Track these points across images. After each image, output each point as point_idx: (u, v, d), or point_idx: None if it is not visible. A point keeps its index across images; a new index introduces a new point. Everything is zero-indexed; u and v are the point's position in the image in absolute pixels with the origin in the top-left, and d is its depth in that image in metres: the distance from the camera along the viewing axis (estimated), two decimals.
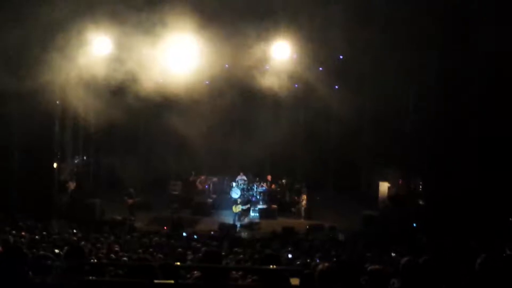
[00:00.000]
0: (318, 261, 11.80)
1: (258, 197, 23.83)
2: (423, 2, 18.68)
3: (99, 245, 13.20)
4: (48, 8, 17.43)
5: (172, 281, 5.35)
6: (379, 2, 18.71)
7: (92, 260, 9.95)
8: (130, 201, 21.17)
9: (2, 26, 17.13)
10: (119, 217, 20.13)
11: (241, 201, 22.01)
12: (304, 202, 22.57)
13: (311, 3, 19.54)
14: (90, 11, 18.78)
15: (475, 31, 17.75)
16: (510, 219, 17.17)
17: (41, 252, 8.83)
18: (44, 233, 14.89)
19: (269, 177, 24.86)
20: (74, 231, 16.55)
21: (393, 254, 13.46)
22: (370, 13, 19.35)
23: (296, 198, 23.65)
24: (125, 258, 10.81)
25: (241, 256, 12.68)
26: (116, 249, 12.77)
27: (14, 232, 13.99)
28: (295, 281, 6.38)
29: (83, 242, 13.11)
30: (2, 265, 5.62)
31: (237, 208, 21.32)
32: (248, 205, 22.18)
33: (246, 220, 21.40)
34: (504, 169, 17.47)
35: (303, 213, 22.43)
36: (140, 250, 12.91)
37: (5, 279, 5.41)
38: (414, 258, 6.07)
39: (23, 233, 13.96)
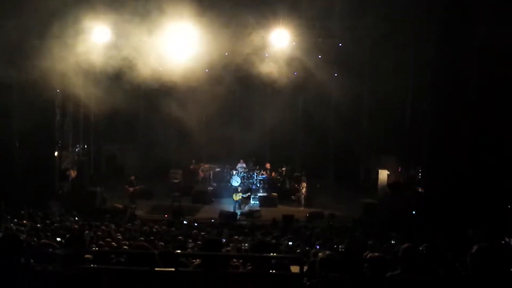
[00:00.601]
0: (318, 248, 11.89)
1: (258, 185, 23.88)
2: None
3: (99, 233, 13.27)
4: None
5: (173, 269, 5.38)
6: None
7: (93, 248, 10.02)
8: (131, 189, 21.19)
9: (1, 16, 17.10)
10: (120, 205, 20.19)
11: (241, 189, 22.05)
12: (304, 190, 22.63)
13: None
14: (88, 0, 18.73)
15: (474, 22, 17.71)
16: (509, 206, 17.21)
17: (43, 240, 8.90)
18: (48, 222, 14.98)
19: (267, 165, 24.90)
20: (76, 218, 16.64)
21: (392, 242, 13.54)
22: (370, 1, 19.28)
23: (296, 186, 23.71)
24: (125, 246, 10.88)
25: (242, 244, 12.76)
26: (118, 237, 12.85)
27: (15, 220, 14.08)
28: (295, 268, 6.43)
29: (87, 232, 13.16)
30: (1, 252, 5.66)
31: (238, 196, 21.36)
32: (249, 193, 22.23)
33: (246, 208, 21.46)
34: (504, 156, 17.50)
35: (303, 201, 22.50)
36: (141, 238, 12.98)
37: (3, 266, 5.44)
38: (414, 245, 6.11)
39: (24, 222, 14.05)
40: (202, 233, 15.00)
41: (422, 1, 19.09)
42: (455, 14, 18.48)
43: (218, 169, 25.06)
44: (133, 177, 21.80)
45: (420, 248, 6.39)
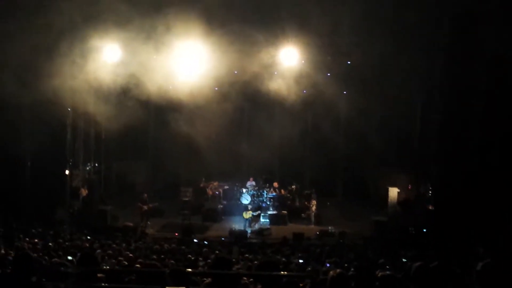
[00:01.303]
0: (328, 266, 11.85)
1: (268, 202, 23.82)
2: (429, 8, 18.69)
3: (110, 251, 13.29)
4: (57, 17, 17.63)
5: None
6: (386, 8, 18.71)
7: (104, 267, 10.04)
8: (145, 207, 21.10)
9: (12, 36, 17.34)
10: (130, 224, 20.22)
11: (251, 207, 22.04)
12: (314, 208, 22.57)
13: (318, 10, 19.62)
14: (98, 19, 18.94)
15: (481, 35, 17.74)
16: None
17: (55, 259, 8.94)
18: (60, 240, 15.02)
19: (275, 184, 24.74)
20: (88, 237, 16.68)
21: (404, 260, 13.46)
22: (377, 18, 19.37)
23: (306, 203, 23.65)
24: (137, 265, 10.89)
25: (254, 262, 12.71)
26: (128, 255, 12.85)
27: (27, 239, 14.14)
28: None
29: (99, 250, 13.18)
30: (13, 271, 5.71)
31: (248, 214, 21.35)
32: (259, 211, 22.21)
33: (256, 226, 21.43)
34: None
35: (313, 219, 22.42)
36: (154, 256, 12.98)
37: (15, 285, 5.49)
38: (426, 263, 6.10)
39: (35, 240, 14.09)
40: (209, 251, 14.98)
41: (430, 15, 19.15)
42: (463, 27, 18.53)
43: (227, 187, 25.05)
44: (145, 195, 21.80)
45: (431, 266, 6.39)
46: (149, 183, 25.87)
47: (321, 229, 20.67)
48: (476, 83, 18.40)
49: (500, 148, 17.69)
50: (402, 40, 19.70)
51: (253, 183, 24.66)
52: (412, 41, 19.80)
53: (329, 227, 20.59)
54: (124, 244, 15.40)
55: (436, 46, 19.87)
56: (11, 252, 11.08)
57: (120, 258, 11.99)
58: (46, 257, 11.16)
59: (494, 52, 17.08)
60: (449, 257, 13.09)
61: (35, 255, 10.89)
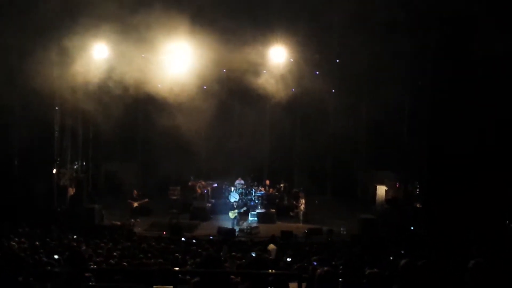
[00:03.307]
0: (315, 264, 11.86)
1: (256, 201, 23.84)
2: (419, 9, 18.79)
3: (98, 250, 13.24)
4: (44, 15, 17.54)
5: (171, 286, 5.40)
6: (376, 8, 18.78)
7: (91, 266, 10.01)
8: (136, 203, 21.24)
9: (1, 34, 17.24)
10: (118, 223, 20.16)
11: (237, 205, 22.08)
12: (302, 206, 22.62)
13: (307, 9, 19.68)
14: (85, 17, 18.85)
15: (470, 37, 17.89)
16: (507, 222, 17.24)
17: (43, 259, 8.90)
18: (47, 239, 14.93)
19: (267, 181, 24.92)
20: (74, 236, 16.60)
21: (391, 258, 13.52)
22: (367, 18, 19.44)
23: (294, 202, 23.70)
24: (124, 263, 10.86)
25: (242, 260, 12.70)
26: (116, 254, 12.81)
27: (14, 238, 14.04)
28: (293, 285, 6.44)
29: (84, 247, 13.14)
30: None
31: (234, 214, 21.42)
32: (245, 208, 22.23)
33: (245, 225, 21.43)
34: (503, 171, 17.56)
35: (301, 217, 22.47)
36: (140, 255, 12.94)
37: (2, 285, 5.46)
38: (413, 261, 6.13)
39: (22, 240, 14.01)
40: (197, 250, 14.96)
41: (421, 16, 19.25)
42: (453, 28, 18.65)
43: (215, 185, 25.05)
44: (136, 192, 21.89)
45: (419, 264, 6.42)
46: (138, 182, 25.79)
47: (310, 227, 20.71)
48: (465, 82, 18.54)
49: (488, 146, 17.83)
50: (391, 40, 19.78)
51: (242, 181, 24.67)
52: (402, 41, 19.87)
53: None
54: (111, 243, 15.33)
55: (426, 46, 19.97)
56: None
57: (107, 257, 11.96)
58: (34, 256, 11.11)
59: (483, 53, 17.20)
60: (438, 255, 13.18)
61: (22, 254, 10.83)
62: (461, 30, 18.31)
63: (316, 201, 24.51)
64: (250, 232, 20.53)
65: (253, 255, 13.10)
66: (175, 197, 24.13)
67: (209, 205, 23.68)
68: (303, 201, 22.74)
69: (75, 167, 24.47)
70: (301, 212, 22.58)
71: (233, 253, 14.42)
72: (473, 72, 18.19)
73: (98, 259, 11.66)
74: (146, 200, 22.57)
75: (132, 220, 20.65)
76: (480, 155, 17.91)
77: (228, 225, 20.98)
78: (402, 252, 14.25)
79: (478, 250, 14.19)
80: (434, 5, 18.61)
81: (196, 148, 24.74)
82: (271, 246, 15.89)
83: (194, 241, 17.84)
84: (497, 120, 17.73)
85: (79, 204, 21.54)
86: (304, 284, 6.54)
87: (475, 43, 17.64)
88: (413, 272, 5.87)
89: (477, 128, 17.97)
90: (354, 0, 18.48)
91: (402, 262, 5.96)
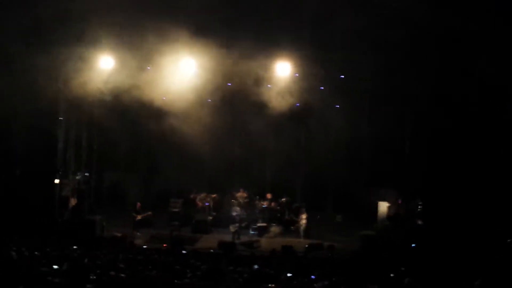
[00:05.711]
0: (313, 277, 11.84)
1: (258, 214, 23.80)
2: (421, 26, 18.87)
3: (98, 262, 13.22)
4: (49, 25, 17.68)
5: None
6: (380, 26, 18.87)
7: (91, 277, 10.00)
8: (139, 216, 21.25)
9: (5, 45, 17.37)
10: (118, 234, 20.14)
11: (239, 219, 22.05)
12: (303, 221, 22.56)
13: (312, 23, 19.78)
14: (90, 28, 18.99)
15: (472, 55, 17.96)
16: (509, 240, 17.17)
17: (43, 269, 8.90)
18: (48, 249, 14.91)
19: (268, 195, 24.84)
20: (75, 247, 16.57)
21: (391, 275, 13.47)
22: (371, 35, 19.51)
23: (293, 218, 23.65)
24: (122, 275, 10.83)
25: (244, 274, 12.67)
26: (116, 266, 12.79)
27: (15, 248, 14.02)
28: None
29: (86, 259, 13.12)
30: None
31: (234, 227, 21.41)
32: (246, 222, 22.20)
33: (245, 238, 21.40)
34: (504, 189, 17.53)
35: (302, 232, 22.40)
36: (140, 267, 12.92)
37: None
38: (415, 280, 6.14)
39: (23, 249, 13.99)
40: (197, 263, 14.90)
41: (423, 33, 19.31)
42: (454, 46, 18.71)
43: (217, 198, 25.03)
44: (139, 204, 21.90)
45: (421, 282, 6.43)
46: (140, 194, 25.78)
47: (310, 242, 20.64)
48: (467, 100, 18.57)
49: (489, 163, 17.82)
50: (394, 58, 19.85)
51: (244, 194, 24.65)
52: (404, 58, 19.94)
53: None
54: (111, 255, 15.30)
55: (428, 64, 20.01)
56: None
57: (107, 268, 11.93)
58: (34, 267, 11.10)
59: (483, 70, 17.26)
60: (439, 273, 13.13)
61: (22, 264, 10.83)
62: (462, 47, 18.36)
63: (318, 216, 24.46)
64: (251, 246, 20.48)
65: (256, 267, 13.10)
66: (176, 210, 24.08)
67: (211, 218, 23.64)
68: (304, 216, 22.68)
69: (77, 177, 24.51)
70: (302, 227, 22.52)
71: (231, 267, 14.38)
72: (476, 89, 18.22)
73: (98, 271, 11.63)
74: (150, 213, 22.56)
75: (138, 233, 20.67)
76: (483, 172, 17.89)
77: (229, 238, 20.94)
78: (403, 269, 14.18)
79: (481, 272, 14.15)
80: (433, 22, 18.70)
81: (200, 160, 24.79)
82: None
83: (194, 254, 17.79)
84: (500, 136, 17.73)
85: (80, 215, 21.55)
86: None
87: (477, 60, 17.68)
88: None
89: (480, 145, 17.97)
90: (360, 18, 18.57)
91: (405, 281, 5.97)
